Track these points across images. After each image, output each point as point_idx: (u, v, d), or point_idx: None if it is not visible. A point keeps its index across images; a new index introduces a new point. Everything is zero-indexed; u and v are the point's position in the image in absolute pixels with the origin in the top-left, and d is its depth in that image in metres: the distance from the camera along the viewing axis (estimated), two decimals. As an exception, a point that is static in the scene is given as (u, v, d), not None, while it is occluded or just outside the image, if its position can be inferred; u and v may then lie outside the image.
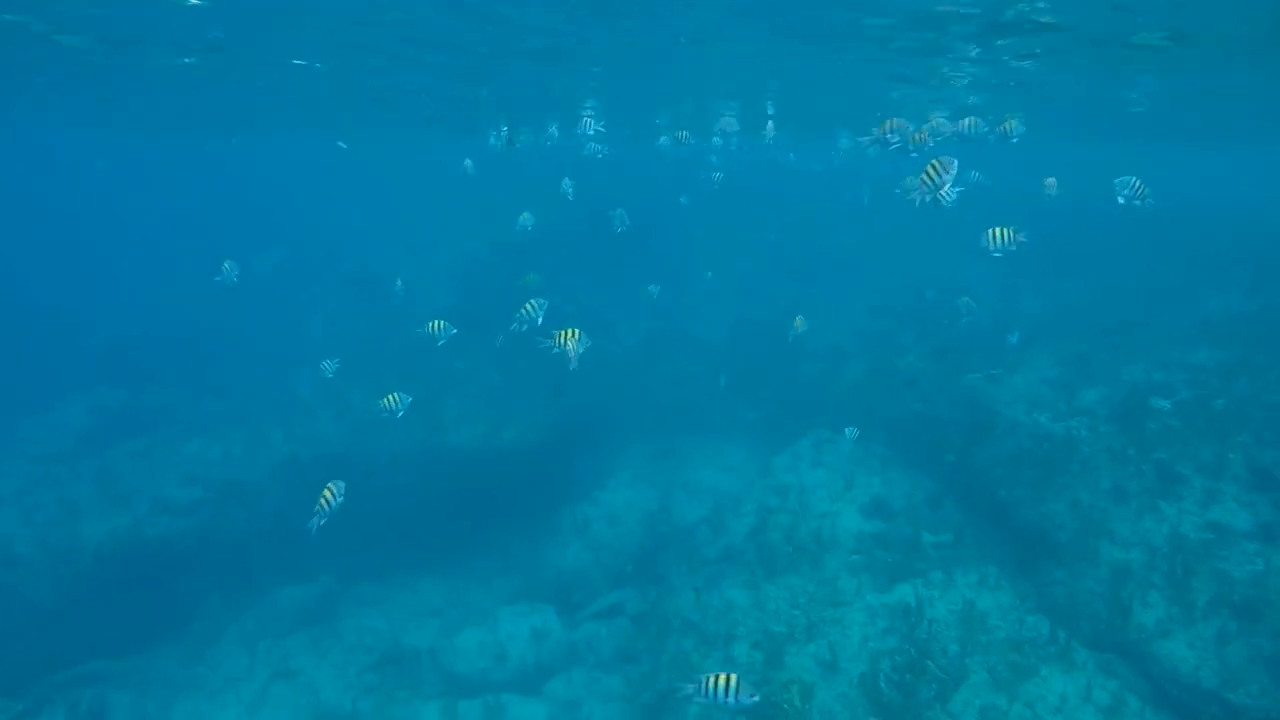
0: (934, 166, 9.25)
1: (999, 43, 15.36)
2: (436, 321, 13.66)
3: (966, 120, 12.26)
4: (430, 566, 21.06)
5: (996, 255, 10.52)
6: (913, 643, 12.16)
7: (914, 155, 11.03)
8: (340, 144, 23.25)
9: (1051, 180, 13.14)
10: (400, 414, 12.33)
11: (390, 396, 12.17)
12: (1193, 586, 11.79)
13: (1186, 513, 12.95)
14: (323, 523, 10.70)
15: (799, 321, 15.77)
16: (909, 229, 29.70)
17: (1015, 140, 12.47)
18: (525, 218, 14.21)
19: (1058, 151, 36.41)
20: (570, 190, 17.63)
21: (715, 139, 25.15)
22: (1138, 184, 11.08)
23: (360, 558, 20.71)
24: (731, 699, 8.27)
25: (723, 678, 8.33)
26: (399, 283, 22.38)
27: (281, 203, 54.11)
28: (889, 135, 10.66)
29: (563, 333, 11.64)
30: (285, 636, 18.07)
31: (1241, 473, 13.09)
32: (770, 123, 25.69)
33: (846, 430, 15.88)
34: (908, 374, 18.56)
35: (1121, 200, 11.14)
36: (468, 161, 23.99)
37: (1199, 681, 10.92)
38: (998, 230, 10.30)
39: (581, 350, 11.37)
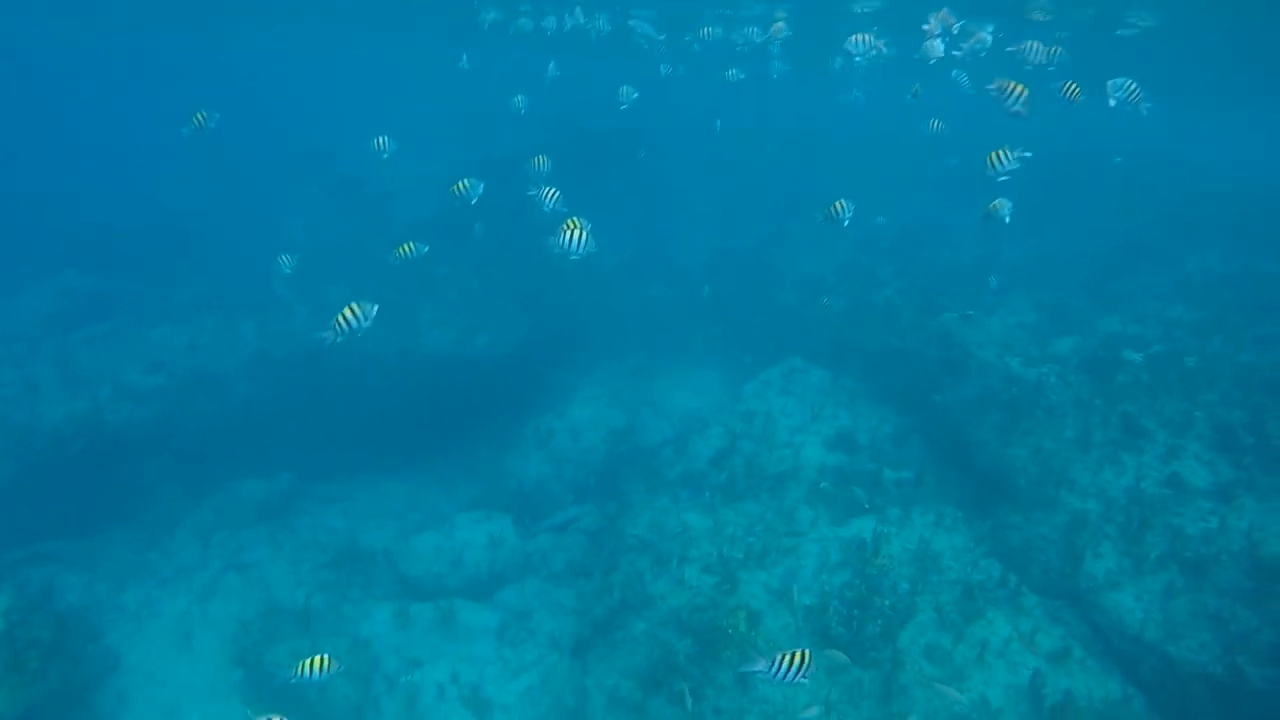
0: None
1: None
2: (408, 244, 13.04)
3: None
4: (395, 468, 20.99)
5: (1003, 179, 10.14)
6: (864, 578, 12.22)
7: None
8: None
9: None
10: (363, 328, 10.61)
11: (346, 313, 10.27)
12: (1145, 540, 11.86)
13: (1147, 467, 12.96)
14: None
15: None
16: (898, 167, 29.22)
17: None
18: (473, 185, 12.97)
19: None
20: (626, 97, 16.77)
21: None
22: (1133, 86, 10.64)
23: (324, 456, 20.58)
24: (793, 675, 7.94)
25: (795, 655, 7.93)
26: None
27: (273, 101, 52.37)
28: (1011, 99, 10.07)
29: (570, 222, 10.88)
30: (242, 529, 18.02)
31: (1206, 431, 13.08)
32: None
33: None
34: (884, 309, 18.34)
35: (1113, 103, 10.70)
36: (464, 58, 23.04)
37: (1142, 633, 11.05)
38: (999, 152, 9.92)
39: (587, 247, 10.69)
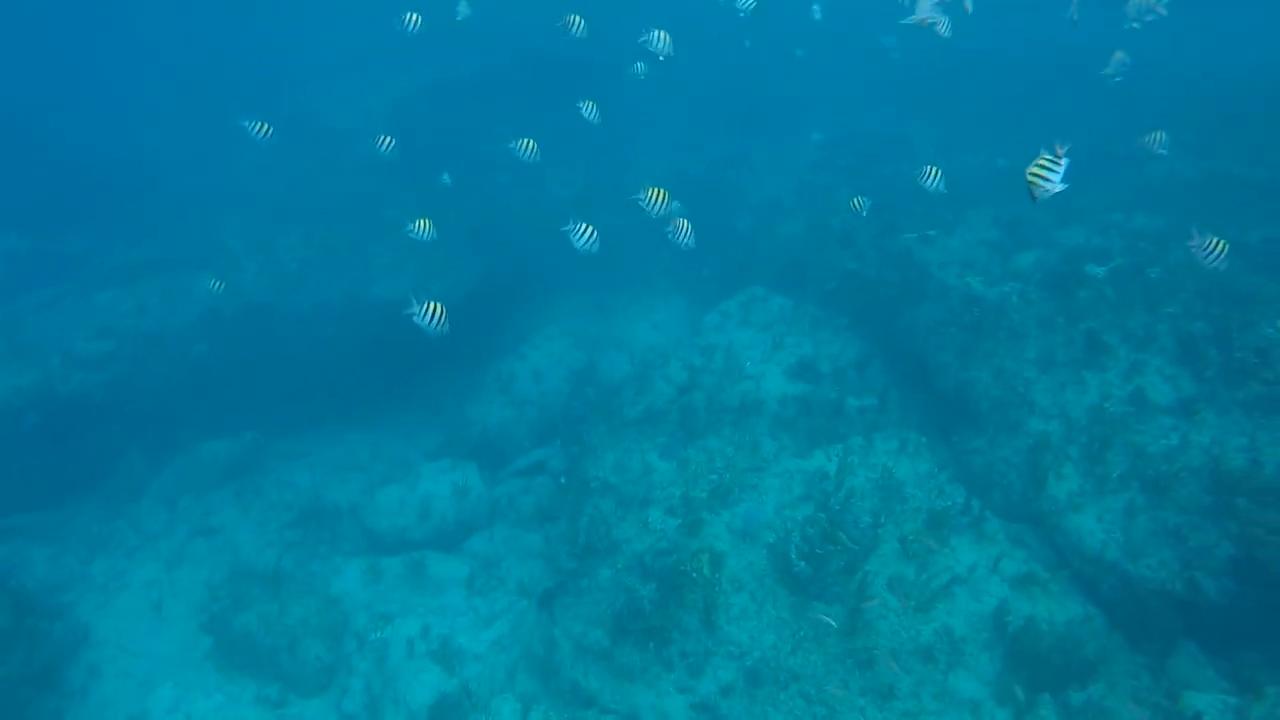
0: None
1: None
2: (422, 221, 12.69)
3: None
4: (358, 419, 20.68)
5: (1135, 26, 9.83)
6: (827, 511, 12.12)
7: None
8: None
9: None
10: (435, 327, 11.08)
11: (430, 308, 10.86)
12: (1107, 460, 11.77)
13: (1110, 385, 12.81)
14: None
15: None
16: (856, 82, 28.25)
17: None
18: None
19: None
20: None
21: None
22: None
23: (286, 411, 20.24)
24: None
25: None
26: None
27: (223, 31, 50.06)
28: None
29: (654, 191, 10.87)
30: (208, 492, 17.79)
31: (1168, 344, 12.90)
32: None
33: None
34: (843, 232, 17.92)
35: (1138, 25, 10.36)
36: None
37: (1103, 554, 11.05)
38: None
39: (592, 245, 10.59)
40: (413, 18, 12.87)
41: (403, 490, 16.99)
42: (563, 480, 15.77)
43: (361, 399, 20.28)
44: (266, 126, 12.41)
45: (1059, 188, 7.93)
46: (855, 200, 11.21)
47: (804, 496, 12.79)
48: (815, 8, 20.97)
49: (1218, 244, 9.04)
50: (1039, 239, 16.36)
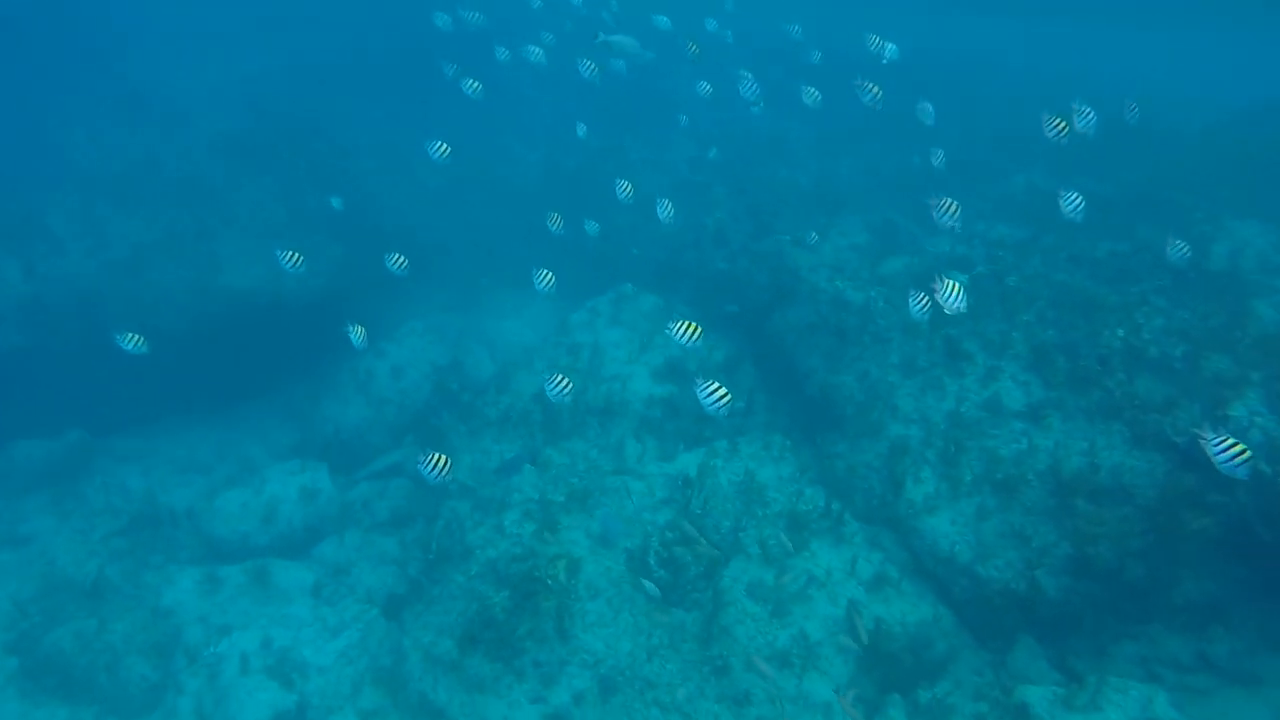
0: None
1: None
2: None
3: None
4: (202, 417, 19.30)
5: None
6: (688, 516, 11.85)
7: None
8: None
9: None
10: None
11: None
12: (962, 464, 11.92)
13: (967, 390, 13.01)
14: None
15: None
16: (735, 82, 28.17)
17: None
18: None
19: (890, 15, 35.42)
20: None
21: None
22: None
23: (121, 407, 18.67)
24: None
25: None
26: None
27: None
28: None
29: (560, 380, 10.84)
30: (20, 498, 16.17)
31: (1022, 351, 13.18)
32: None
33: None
34: (717, 231, 17.80)
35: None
36: None
37: (955, 556, 11.15)
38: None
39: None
40: None
41: (247, 493, 15.87)
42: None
43: (208, 394, 18.93)
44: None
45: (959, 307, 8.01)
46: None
47: (666, 500, 12.48)
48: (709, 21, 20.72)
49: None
50: (908, 245, 16.62)
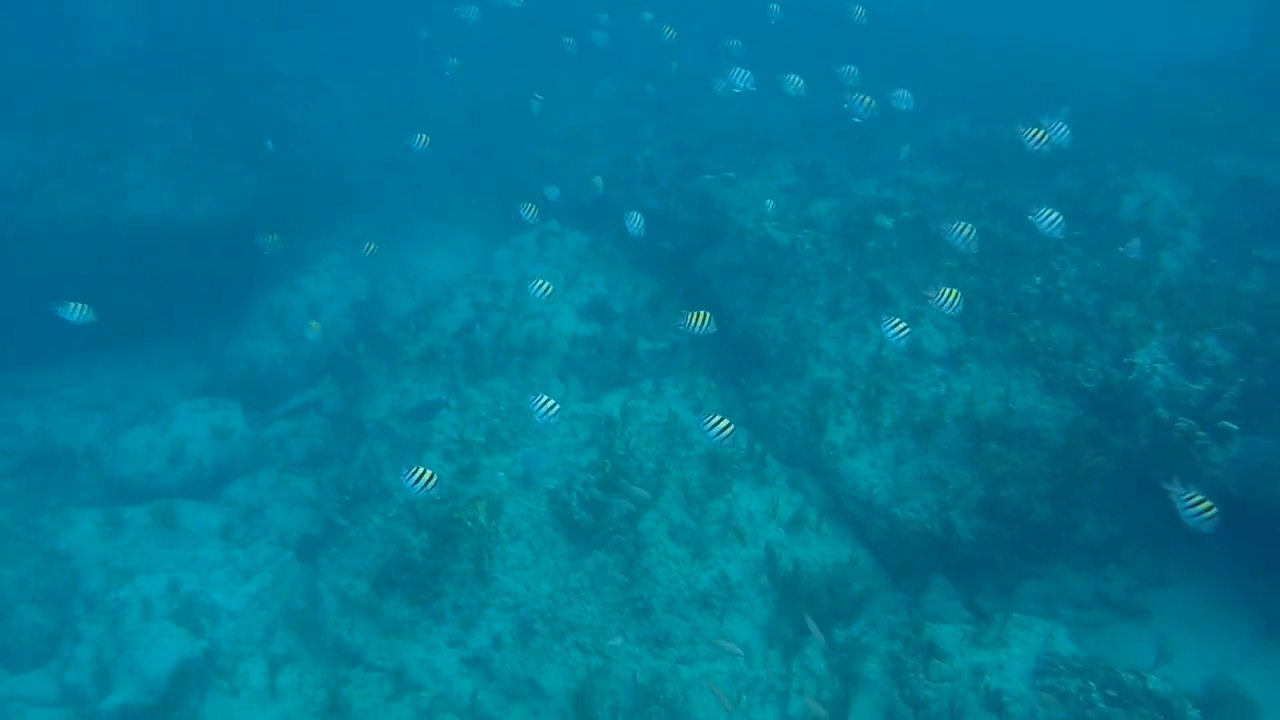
0: None
1: None
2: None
3: None
4: (106, 354, 18.31)
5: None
6: (611, 457, 11.75)
7: None
8: None
9: None
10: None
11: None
12: (883, 407, 12.05)
13: (890, 334, 13.07)
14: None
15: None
16: (674, 18, 27.54)
17: None
18: None
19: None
20: None
21: None
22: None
23: (15, 341, 17.59)
24: None
25: None
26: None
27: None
28: None
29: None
30: (-105, 437, 15.18)
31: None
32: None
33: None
34: (645, 169, 17.46)
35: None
36: None
37: (874, 498, 11.33)
38: None
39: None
40: None
41: (153, 432, 15.18)
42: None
43: (111, 330, 17.91)
44: None
45: None
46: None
47: (589, 441, 12.36)
48: None
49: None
50: (836, 188, 16.56)
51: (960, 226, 10.28)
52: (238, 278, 18.47)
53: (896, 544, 11.14)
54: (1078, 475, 10.62)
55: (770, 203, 15.31)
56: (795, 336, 13.62)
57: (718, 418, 8.95)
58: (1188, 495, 7.22)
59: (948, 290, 10.15)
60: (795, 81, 12.66)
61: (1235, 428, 10.23)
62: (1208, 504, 7.21)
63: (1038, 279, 12.77)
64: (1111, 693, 8.37)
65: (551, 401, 9.42)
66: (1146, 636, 10.32)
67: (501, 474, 11.75)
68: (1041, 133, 9.98)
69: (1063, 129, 9.82)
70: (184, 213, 18.39)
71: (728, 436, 8.93)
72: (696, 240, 15.63)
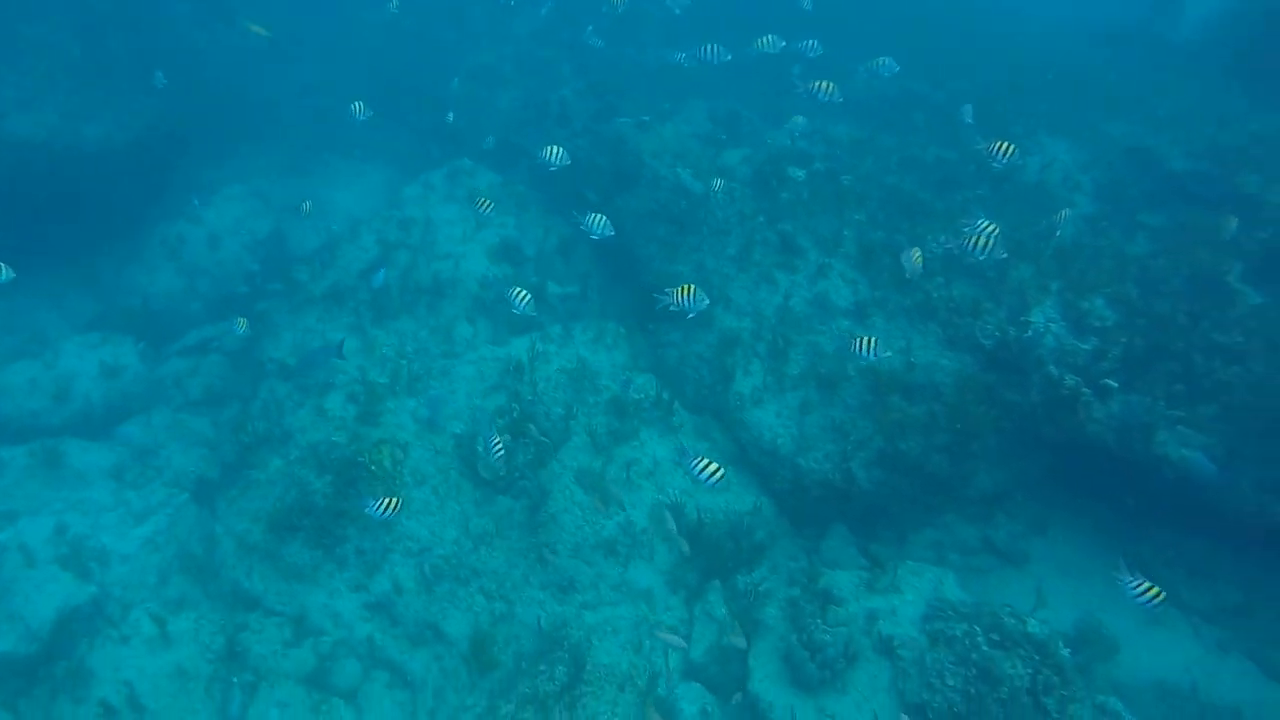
0: None
1: None
2: None
3: None
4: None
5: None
6: (519, 402, 11.70)
7: None
8: None
9: None
10: None
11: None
12: (790, 358, 12.26)
13: (798, 285, 13.28)
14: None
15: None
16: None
17: None
18: None
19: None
20: None
21: None
22: None
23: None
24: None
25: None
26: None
27: None
28: None
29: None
30: None
31: (851, 250, 13.52)
32: None
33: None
34: (560, 110, 17.11)
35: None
36: None
37: (778, 448, 11.58)
38: None
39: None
40: None
41: (36, 367, 14.41)
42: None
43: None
44: None
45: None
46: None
47: (497, 386, 12.26)
48: None
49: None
50: (750, 137, 16.53)
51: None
52: (132, 207, 17.45)
53: (799, 493, 11.45)
54: (974, 429, 11.06)
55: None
56: (705, 284, 13.65)
57: (705, 460, 8.63)
58: (1135, 583, 7.71)
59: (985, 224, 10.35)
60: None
61: (1116, 385, 10.80)
62: (1155, 589, 7.70)
63: (942, 236, 13.08)
64: (995, 636, 8.87)
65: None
66: (1027, 581, 10.95)
67: (408, 416, 11.58)
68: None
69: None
70: (71, 135, 17.21)
71: (718, 479, 8.60)
72: (611, 185, 15.46)
